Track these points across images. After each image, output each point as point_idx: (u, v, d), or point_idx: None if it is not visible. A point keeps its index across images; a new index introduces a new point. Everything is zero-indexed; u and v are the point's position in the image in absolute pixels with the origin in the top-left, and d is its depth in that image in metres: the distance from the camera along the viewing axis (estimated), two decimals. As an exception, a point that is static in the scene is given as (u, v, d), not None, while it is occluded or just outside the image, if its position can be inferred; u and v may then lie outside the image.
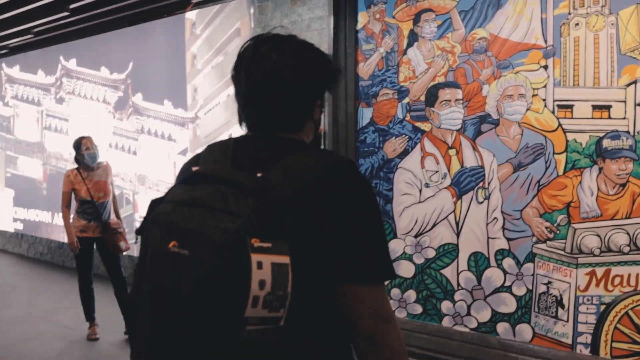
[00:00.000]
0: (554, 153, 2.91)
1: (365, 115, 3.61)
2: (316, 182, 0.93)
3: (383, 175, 3.53)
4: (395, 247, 3.49)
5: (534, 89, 2.96)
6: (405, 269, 3.45)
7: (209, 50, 4.56)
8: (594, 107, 2.81)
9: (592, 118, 2.80)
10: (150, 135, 5.17)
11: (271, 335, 0.85)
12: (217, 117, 4.50)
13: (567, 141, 2.87)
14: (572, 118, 2.86)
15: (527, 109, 2.98)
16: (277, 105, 1.06)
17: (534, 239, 2.97)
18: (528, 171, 2.98)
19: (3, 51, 6.71)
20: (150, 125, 5.16)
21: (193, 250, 0.85)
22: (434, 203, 3.32)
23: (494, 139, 3.10)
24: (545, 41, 2.94)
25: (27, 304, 4.99)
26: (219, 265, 0.83)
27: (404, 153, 3.44)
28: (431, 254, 3.35)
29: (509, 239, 3.06)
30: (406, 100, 3.43)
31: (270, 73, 1.06)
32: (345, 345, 1.00)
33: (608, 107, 2.78)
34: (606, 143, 2.77)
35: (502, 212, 3.08)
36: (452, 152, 3.26)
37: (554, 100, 2.90)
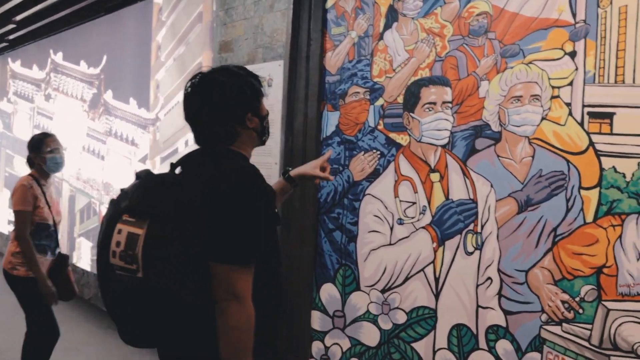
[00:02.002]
0: (580, 187, 1.86)
1: (331, 121, 2.67)
2: (205, 185, 1.31)
3: (347, 203, 2.57)
4: (357, 302, 2.51)
5: (554, 87, 1.93)
6: (367, 335, 2.47)
7: (172, 39, 3.77)
8: (648, 118, 1.75)
9: (644, 135, 1.75)
10: (117, 139, 4.44)
11: (133, 280, 1.27)
12: (175, 119, 3.69)
13: (602, 170, 1.82)
14: (611, 134, 1.81)
15: (543, 118, 1.95)
16: (202, 128, 1.49)
17: (544, 316, 1.93)
18: (540, 212, 1.95)
19: (2, 44, 6.24)
20: (118, 127, 4.43)
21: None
22: (407, 247, 2.33)
23: (492, 160, 2.09)
24: (574, 15, 1.91)
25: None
26: (107, 228, 1.33)
27: (374, 175, 2.47)
28: (401, 318, 2.35)
29: (507, 312, 2.03)
30: (380, 102, 2.46)
31: (192, 106, 1.49)
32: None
33: (670, 119, 1.71)
34: (665, 176, 1.70)
35: (499, 270, 2.06)
36: (435, 177, 2.26)
37: (584, 106, 1.87)
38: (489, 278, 2.08)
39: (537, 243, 1.95)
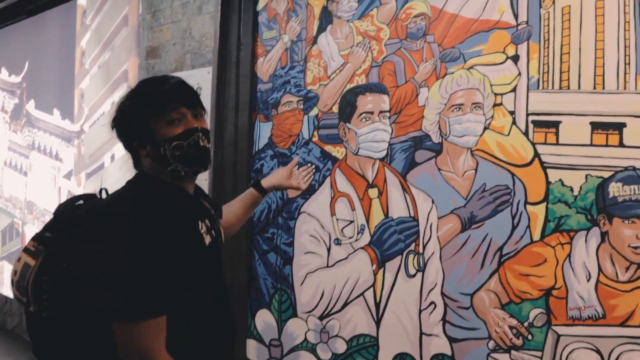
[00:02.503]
0: (526, 203, 1.71)
1: (263, 132, 2.46)
2: (90, 216, 1.20)
3: (282, 222, 2.36)
4: (295, 330, 2.29)
5: (496, 94, 1.78)
6: (306, 367, 2.25)
7: (97, 44, 3.48)
8: (595, 127, 1.62)
9: (592, 145, 1.61)
10: (40, 153, 4.09)
11: (27, 314, 1.20)
12: (100, 131, 3.40)
13: (548, 184, 1.67)
14: (557, 144, 1.67)
15: (486, 128, 1.80)
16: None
17: (491, 343, 1.76)
18: (484, 230, 1.79)
19: None
20: (41, 140, 4.09)
21: None
22: (346, 270, 2.14)
23: (434, 174, 1.92)
24: (516, 16, 1.77)
25: None
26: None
27: (310, 191, 2.27)
28: (341, 347, 2.15)
29: (452, 339, 1.85)
30: (314, 111, 2.27)
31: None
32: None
33: (619, 127, 1.58)
34: (614, 189, 1.57)
35: (442, 294, 1.88)
36: (373, 192, 2.07)
37: (529, 114, 1.72)
38: (433, 302, 1.91)
39: (483, 264, 1.79)
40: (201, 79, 2.65)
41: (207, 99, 2.57)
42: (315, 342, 2.23)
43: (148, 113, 1.24)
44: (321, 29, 2.26)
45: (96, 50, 3.49)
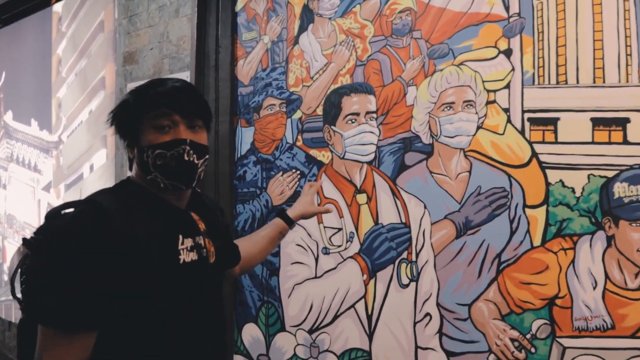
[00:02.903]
0: (525, 206, 1.60)
1: (245, 138, 2.34)
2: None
3: (267, 231, 2.23)
4: (283, 344, 2.17)
5: (489, 91, 1.67)
6: (296, 385, 2.13)
7: (73, 52, 3.35)
8: (596, 123, 1.51)
9: (594, 142, 1.51)
10: (19, 165, 3.94)
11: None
12: (79, 141, 3.26)
13: (548, 185, 1.56)
14: (556, 143, 1.56)
15: (479, 127, 1.69)
16: None
17: (492, 357, 1.65)
18: (481, 236, 1.68)
19: None
20: (19, 152, 3.94)
21: None
22: (335, 280, 2.02)
23: (425, 177, 1.81)
24: (507, 8, 1.66)
25: None
26: None
27: (295, 198, 2.15)
28: (333, 363, 2.03)
29: (449, 353, 1.74)
30: (297, 114, 2.15)
31: None
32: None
33: (622, 122, 1.48)
34: (619, 190, 1.46)
35: (438, 305, 1.77)
36: (362, 198, 1.96)
37: (524, 111, 1.61)
38: (428, 314, 1.79)
39: (480, 272, 1.68)
40: (180, 84, 2.52)
41: (185, 104, 2.45)
42: (305, 357, 2.11)
43: (137, 114, 1.16)
44: (302, 29, 2.15)
45: (72, 58, 3.36)
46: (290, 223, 1.67)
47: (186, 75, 2.47)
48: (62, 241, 1.02)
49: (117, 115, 1.21)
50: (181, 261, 1.14)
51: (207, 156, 1.21)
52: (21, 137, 3.93)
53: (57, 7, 3.53)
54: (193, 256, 1.18)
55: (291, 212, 1.68)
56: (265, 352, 2.23)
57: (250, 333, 2.29)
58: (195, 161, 1.15)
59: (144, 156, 1.14)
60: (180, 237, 1.16)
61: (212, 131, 2.29)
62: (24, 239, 1.11)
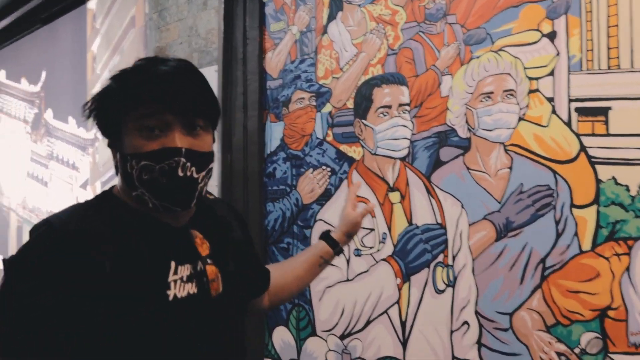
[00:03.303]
0: (572, 206, 1.44)
1: (275, 133, 2.25)
2: None
3: (297, 230, 2.14)
4: (314, 350, 2.08)
5: (531, 79, 1.52)
6: (328, 391, 2.04)
7: (107, 48, 3.35)
8: (654, 113, 1.34)
9: (651, 135, 1.34)
10: (58, 163, 3.99)
11: None
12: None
13: (598, 182, 1.40)
14: (607, 135, 1.39)
15: (520, 119, 1.54)
16: None
17: (536, 372, 1.51)
18: (523, 239, 1.53)
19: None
20: (59, 150, 3.99)
21: None
22: (367, 284, 1.91)
23: (462, 174, 1.67)
24: (552, -14, 1.50)
25: None
26: None
27: (326, 196, 2.05)
28: (366, 371, 1.92)
29: (490, 366, 1.60)
30: (327, 108, 2.04)
31: None
32: None
33: (684, 112, 1.30)
34: (682, 187, 1.29)
35: (477, 313, 1.63)
36: (395, 197, 1.84)
37: (571, 100, 1.45)
38: (466, 322, 1.66)
39: (523, 278, 1.53)
40: (208, 79, 2.45)
41: (213, 99, 2.38)
42: (337, 363, 2.01)
43: (119, 109, 0.90)
44: (331, 17, 2.04)
45: (106, 55, 3.35)
46: (335, 246, 1.38)
47: (214, 69, 2.39)
48: (10, 281, 0.81)
49: (97, 106, 0.93)
50: (170, 297, 0.89)
51: (211, 165, 0.95)
52: (60, 135, 3.97)
53: (91, 4, 3.54)
54: (190, 289, 0.93)
55: (335, 233, 1.40)
56: (296, 356, 2.15)
57: (281, 337, 2.20)
58: (195, 175, 0.90)
59: (127, 166, 0.89)
60: (173, 264, 0.91)
61: (240, 127, 2.22)
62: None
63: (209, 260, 0.99)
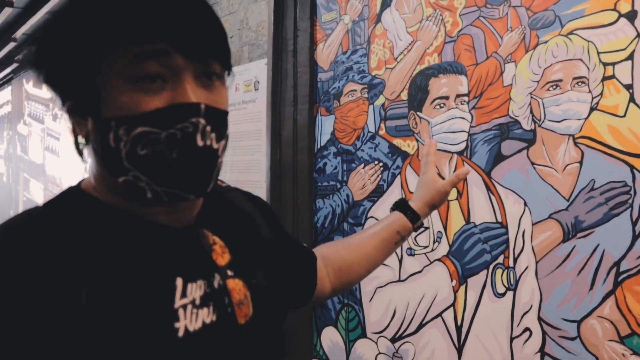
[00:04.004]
0: (651, 204, 1.30)
1: (325, 127, 2.18)
2: None
3: (348, 228, 2.07)
4: (364, 352, 1.99)
5: (606, 64, 1.38)
6: (378, 397, 1.95)
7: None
8: None
9: None
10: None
11: None
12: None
13: (683, 178, 1.25)
14: (695, 126, 1.24)
15: (593, 109, 1.40)
16: None
17: (608, 387, 1.37)
18: (594, 240, 1.39)
19: (13, 66, 6.05)
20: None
21: None
22: (420, 285, 1.81)
23: (525, 170, 1.54)
24: (631, -39, 1.36)
25: None
26: None
27: (378, 192, 1.96)
28: (418, 377, 1.82)
29: (554, 378, 1.47)
30: (380, 100, 1.95)
31: None
32: None
33: None
34: None
35: (540, 319, 1.50)
36: (451, 193, 1.72)
37: (652, 88, 1.31)
38: (527, 329, 1.53)
39: (593, 283, 1.39)
40: (258, 72, 2.42)
41: (264, 93, 2.34)
42: (387, 367, 1.92)
43: (92, 50, 0.60)
44: (385, 5, 1.94)
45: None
46: (415, 220, 1.14)
47: (264, 63, 2.35)
48: None
49: (45, 48, 0.64)
50: (181, 332, 0.62)
51: (227, 132, 0.69)
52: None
53: None
54: (207, 316, 0.66)
55: (415, 202, 1.15)
56: (345, 358, 2.07)
57: (330, 337, 2.13)
58: (214, 146, 0.64)
59: (110, 138, 0.61)
60: (180, 282, 0.65)
61: (290, 121, 2.16)
62: None
63: (229, 272, 0.72)
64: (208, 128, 0.62)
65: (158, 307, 0.62)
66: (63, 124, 5.24)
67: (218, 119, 0.64)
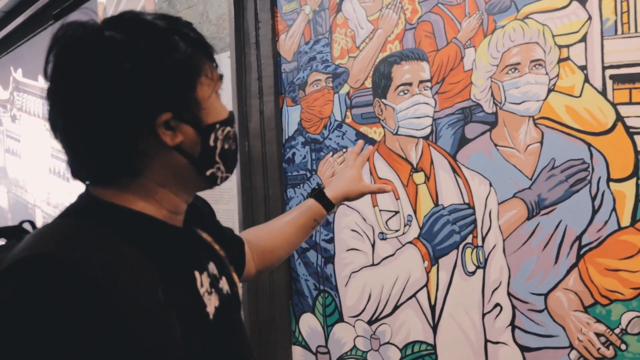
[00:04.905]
0: (609, 180, 1.36)
1: (292, 118, 2.19)
2: None
3: (320, 216, 2.09)
4: (342, 336, 2.04)
5: (561, 47, 1.43)
6: (358, 378, 2.00)
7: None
8: (696, 76, 1.25)
9: (693, 100, 1.25)
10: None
11: None
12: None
13: (637, 154, 1.32)
14: (645, 103, 1.31)
15: (550, 90, 1.45)
16: (67, 142, 0.76)
17: (574, 353, 1.44)
18: (557, 216, 1.46)
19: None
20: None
21: None
22: (394, 268, 1.85)
23: (489, 151, 1.59)
24: (580, -54, 1.40)
25: None
26: None
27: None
28: (395, 355, 1.88)
29: (524, 348, 1.54)
30: (345, 89, 1.98)
31: (52, 95, 0.74)
32: None
33: None
34: None
35: (509, 294, 1.57)
36: (419, 177, 1.77)
37: (605, 67, 1.36)
38: (498, 304, 1.60)
39: (557, 257, 1.46)
40: (222, 66, 2.39)
41: (228, 86, 2.33)
42: (365, 349, 1.97)
43: (194, 69, 0.75)
44: (345, -7, 1.96)
45: (120, 46, 3.31)
46: (330, 207, 1.27)
47: (227, 56, 2.34)
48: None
49: (163, 70, 0.71)
50: (211, 315, 0.77)
51: None
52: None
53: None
54: (215, 301, 0.80)
55: (331, 190, 1.28)
56: (324, 343, 2.11)
57: (308, 324, 2.17)
58: None
59: (210, 140, 0.77)
60: (197, 275, 0.78)
61: (256, 112, 2.17)
62: None
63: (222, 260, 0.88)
64: None
65: (195, 298, 0.75)
66: (23, 125, 5.10)
67: None
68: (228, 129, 0.80)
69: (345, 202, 1.40)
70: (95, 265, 0.62)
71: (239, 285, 0.90)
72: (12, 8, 4.03)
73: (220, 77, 0.83)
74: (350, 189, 1.31)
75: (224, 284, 0.85)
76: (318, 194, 1.29)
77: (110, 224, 0.71)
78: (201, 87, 0.76)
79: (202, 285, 0.78)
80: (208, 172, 0.79)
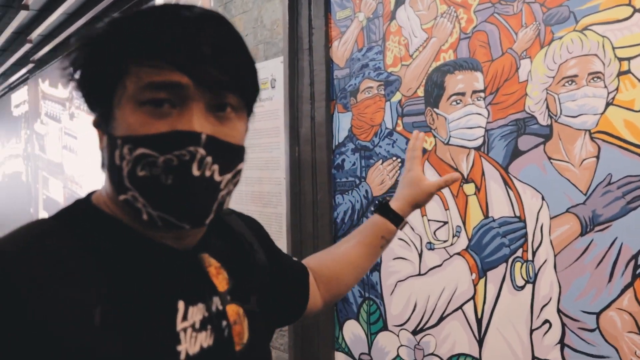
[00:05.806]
0: (669, 197, 1.32)
1: (343, 124, 2.21)
2: None
3: (367, 223, 2.10)
4: (386, 344, 2.04)
5: (621, 59, 1.39)
6: (400, 387, 2.00)
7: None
8: None
9: None
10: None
11: None
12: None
13: (700, 171, 1.27)
14: None
15: (609, 104, 1.42)
16: None
17: (628, 376, 1.40)
18: (612, 233, 1.42)
19: (29, 66, 6.13)
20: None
21: None
22: (441, 279, 1.84)
23: (542, 165, 1.57)
24: (646, -44, 1.36)
25: None
26: None
27: (396, 188, 1.98)
28: (440, 368, 1.86)
29: (575, 368, 1.51)
30: (397, 97, 1.98)
31: None
32: None
33: None
34: None
35: (559, 311, 1.53)
36: (470, 188, 1.75)
37: (668, 83, 1.32)
38: (547, 321, 1.56)
39: (611, 276, 1.42)
40: (275, 70, 2.45)
41: (280, 91, 2.37)
42: (408, 359, 1.96)
43: (114, 63, 0.62)
44: (399, 2, 1.96)
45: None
46: (398, 220, 1.11)
47: (280, 61, 2.38)
48: None
49: (83, 61, 0.65)
50: (182, 355, 0.64)
51: (241, 166, 0.69)
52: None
53: (158, 2, 3.61)
54: (204, 340, 0.67)
55: (396, 201, 1.13)
56: (367, 351, 2.11)
57: (352, 330, 2.18)
58: (217, 178, 0.64)
59: (115, 155, 0.63)
60: (182, 305, 0.66)
61: (307, 118, 2.19)
62: None
63: (229, 298, 0.73)
64: (209, 159, 0.62)
65: (162, 329, 0.63)
66: (80, 123, 5.32)
67: (224, 151, 0.64)
68: (141, 150, 0.60)
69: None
70: (20, 262, 0.57)
71: (241, 333, 0.74)
72: (75, 10, 4.22)
73: (171, 84, 0.60)
74: (414, 193, 1.13)
75: (225, 325, 0.72)
76: (382, 208, 1.12)
77: (83, 230, 0.64)
78: (121, 91, 0.62)
79: (185, 318, 0.65)
80: (121, 197, 0.64)
